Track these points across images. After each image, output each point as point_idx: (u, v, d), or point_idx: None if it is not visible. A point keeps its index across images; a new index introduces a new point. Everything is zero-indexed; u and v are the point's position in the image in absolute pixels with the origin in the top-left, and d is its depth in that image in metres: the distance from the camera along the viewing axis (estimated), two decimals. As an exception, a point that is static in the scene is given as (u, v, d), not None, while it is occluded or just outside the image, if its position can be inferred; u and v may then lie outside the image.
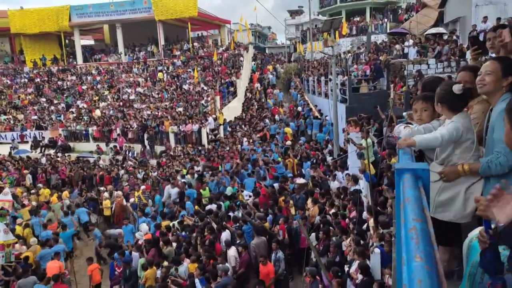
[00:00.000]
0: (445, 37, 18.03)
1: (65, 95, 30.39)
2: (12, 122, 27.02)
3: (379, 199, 7.79)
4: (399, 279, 1.59)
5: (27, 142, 25.36)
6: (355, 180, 9.66)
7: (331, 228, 8.13)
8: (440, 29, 19.40)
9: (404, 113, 3.93)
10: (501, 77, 2.24)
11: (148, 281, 8.29)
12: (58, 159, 21.76)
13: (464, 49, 15.32)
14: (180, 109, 24.50)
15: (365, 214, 7.83)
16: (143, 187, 14.78)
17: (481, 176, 2.34)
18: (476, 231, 1.93)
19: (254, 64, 31.69)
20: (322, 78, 20.89)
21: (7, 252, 9.56)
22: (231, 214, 10.34)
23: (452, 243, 2.56)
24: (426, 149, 2.80)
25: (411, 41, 17.33)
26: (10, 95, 30.98)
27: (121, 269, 9.21)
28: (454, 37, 17.42)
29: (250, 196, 11.46)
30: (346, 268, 6.84)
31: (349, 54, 24.04)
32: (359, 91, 16.62)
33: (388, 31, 28.11)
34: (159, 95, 27.62)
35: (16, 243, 10.26)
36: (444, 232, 2.48)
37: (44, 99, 30.18)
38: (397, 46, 18.04)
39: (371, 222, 6.92)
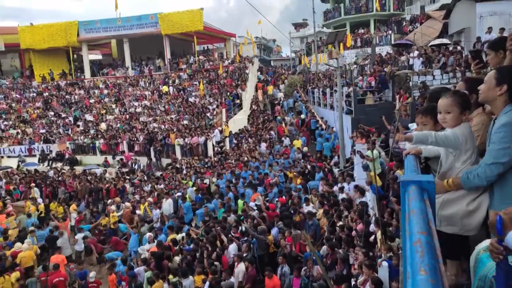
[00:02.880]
0: (450, 48, 18.06)
1: (72, 108, 30.75)
2: (20, 136, 27.34)
3: (387, 211, 7.72)
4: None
5: (35, 155, 25.61)
6: (362, 192, 9.59)
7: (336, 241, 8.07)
8: (445, 40, 19.45)
9: (410, 124, 3.94)
10: (494, 85, 2.20)
11: (155, 295, 8.26)
12: (65, 171, 21.92)
13: (469, 59, 15.32)
14: (186, 121, 24.66)
15: (372, 227, 7.75)
16: (150, 199, 14.82)
17: (484, 188, 2.32)
18: (484, 244, 1.91)
19: (261, 74, 31.86)
20: (328, 90, 20.95)
21: None
22: (241, 226, 10.30)
23: (460, 257, 2.52)
24: (431, 162, 2.79)
25: (416, 52, 17.37)
26: (19, 109, 31.42)
27: (127, 282, 9.18)
28: (459, 48, 17.44)
29: (255, 209, 11.42)
30: (353, 282, 6.76)
31: (354, 66, 24.12)
32: (365, 103, 16.62)
33: (392, 42, 28.21)
34: (165, 108, 27.84)
35: None
36: (452, 245, 2.45)
37: (52, 113, 30.56)
38: (403, 58, 18.09)
39: (379, 234, 6.85)
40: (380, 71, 17.14)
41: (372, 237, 7.53)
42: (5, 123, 29.46)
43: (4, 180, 20.43)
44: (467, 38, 18.69)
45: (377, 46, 27.40)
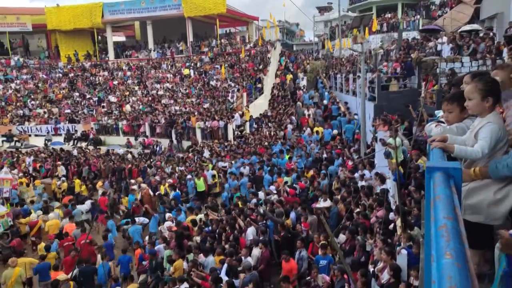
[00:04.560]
0: (481, 34, 17.35)
1: (97, 90, 31.34)
2: (47, 115, 28.13)
3: (407, 199, 7.63)
4: (427, 278, 1.57)
5: (60, 134, 26.37)
6: (382, 179, 9.49)
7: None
8: (475, 26, 18.68)
9: (436, 111, 3.84)
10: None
11: (176, 272, 8.49)
12: (89, 151, 22.52)
13: (501, 46, 14.69)
14: (207, 105, 24.77)
15: (392, 215, 7.69)
16: (169, 180, 15.10)
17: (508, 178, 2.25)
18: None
19: (283, 58, 31.46)
20: (350, 76, 20.57)
21: (4, 221, 11.81)
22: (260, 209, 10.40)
23: (483, 246, 2.48)
24: None
25: (445, 38, 16.77)
26: (46, 89, 32.23)
27: (148, 259, 9.45)
28: (491, 34, 16.72)
29: (274, 193, 11.49)
30: (371, 268, 6.76)
31: (380, 50, 23.52)
32: (389, 89, 16.26)
33: (420, 28, 27.30)
34: (187, 91, 28.00)
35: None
36: (475, 234, 2.40)
37: (77, 94, 31.24)
38: (430, 44, 17.50)
39: (398, 222, 6.79)
40: (406, 57, 16.65)
41: (392, 225, 7.48)
42: (32, 102, 30.33)
43: (32, 158, 21.16)
44: (499, 23, 17.90)
45: (404, 31, 26.54)
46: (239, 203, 11.50)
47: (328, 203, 9.93)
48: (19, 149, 24.11)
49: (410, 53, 17.43)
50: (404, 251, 6.15)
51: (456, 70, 14.20)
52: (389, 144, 9.04)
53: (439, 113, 3.61)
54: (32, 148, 24.21)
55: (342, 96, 22.14)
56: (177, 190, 13.98)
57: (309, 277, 6.86)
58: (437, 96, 12.39)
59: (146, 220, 12.56)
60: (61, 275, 8.69)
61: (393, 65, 17.14)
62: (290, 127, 19.80)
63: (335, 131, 17.65)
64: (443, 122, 2.97)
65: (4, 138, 26.15)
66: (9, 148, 24.84)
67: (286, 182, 12.11)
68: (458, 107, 2.71)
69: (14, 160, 21.23)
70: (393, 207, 8.07)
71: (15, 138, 26.05)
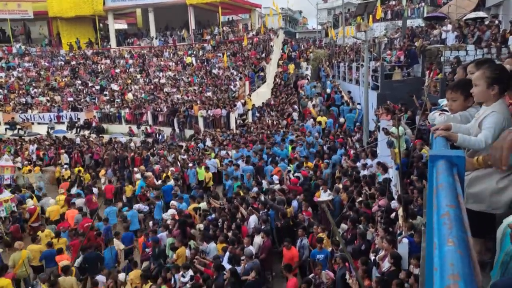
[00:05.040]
0: (486, 22, 17.13)
1: (99, 78, 31.26)
2: (49, 103, 28.14)
3: (410, 188, 7.64)
4: (429, 265, 1.57)
5: (63, 123, 26.41)
6: (385, 168, 9.48)
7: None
8: (481, 14, 18.44)
9: (440, 100, 3.81)
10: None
11: (179, 259, 8.57)
12: (92, 139, 22.57)
13: (506, 34, 14.53)
14: (209, 93, 24.69)
15: (394, 204, 7.71)
16: (172, 169, 15.14)
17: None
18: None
19: (286, 46, 31.21)
20: (354, 64, 20.41)
21: (7, 206, 12.20)
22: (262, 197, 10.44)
23: (485, 235, 2.48)
24: None
25: (449, 26, 16.58)
26: (48, 77, 32.17)
27: (151, 247, 9.54)
28: (496, 22, 16.51)
29: (276, 183, 11.52)
30: (372, 257, 6.80)
31: (384, 38, 23.28)
32: (392, 78, 16.15)
33: (425, 15, 26.97)
34: (189, 80, 27.90)
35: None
36: (477, 223, 2.40)
37: (79, 82, 31.18)
38: (435, 31, 17.31)
39: (400, 211, 6.81)
40: (410, 45, 16.49)
41: (393, 214, 7.50)
42: (35, 90, 30.31)
43: (35, 146, 21.25)
44: (505, 11, 17.64)
45: (408, 19, 26.29)
46: (240, 192, 11.54)
47: (328, 194, 9.86)
48: (22, 137, 24.21)
49: (414, 41, 17.26)
50: (405, 240, 6.18)
51: (461, 58, 14.08)
52: (391, 133, 9.01)
53: (443, 102, 3.58)
54: (35, 136, 24.30)
55: (345, 85, 22.01)
56: (171, 182, 13.85)
57: (312, 274, 6.85)
58: (441, 85, 12.31)
59: (146, 208, 12.67)
60: (63, 262, 8.81)
61: (397, 54, 16.99)
62: (295, 114, 19.68)
63: (342, 119, 17.54)
64: (446, 111, 2.95)
65: (7, 126, 26.23)
66: (12, 136, 24.94)
67: (289, 171, 12.13)
68: (462, 95, 2.69)
69: (18, 148, 21.35)
70: (395, 196, 8.08)
71: (18, 126, 26.11)
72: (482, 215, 2.40)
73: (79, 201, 13.13)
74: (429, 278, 1.67)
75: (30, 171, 17.00)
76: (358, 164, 11.31)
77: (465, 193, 2.37)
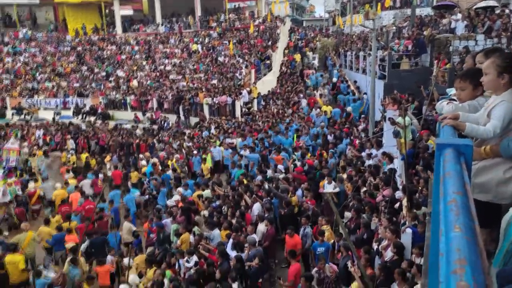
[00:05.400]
0: (497, 11, 16.82)
1: (105, 64, 31.22)
2: (55, 89, 28.22)
3: (415, 179, 7.63)
4: (433, 253, 1.57)
5: (69, 108, 26.51)
6: (390, 159, 9.46)
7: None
8: (491, 2, 18.10)
9: (448, 89, 3.77)
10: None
11: (183, 245, 8.67)
12: (98, 125, 22.67)
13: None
14: (215, 81, 24.60)
15: (398, 194, 7.70)
16: (177, 156, 15.21)
17: None
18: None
19: (293, 35, 30.90)
20: (361, 53, 20.20)
21: (12, 189, 12.54)
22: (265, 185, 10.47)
23: (491, 225, 2.48)
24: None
25: (459, 15, 16.31)
26: (54, 63, 32.18)
27: (156, 232, 9.65)
28: (507, 11, 16.21)
29: (282, 172, 11.54)
30: (375, 246, 6.83)
31: (393, 27, 22.96)
32: (399, 68, 15.98)
33: (434, 4, 26.52)
34: (195, 67, 27.79)
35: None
36: (483, 213, 2.40)
37: (85, 68, 31.17)
38: (444, 20, 17.03)
39: (405, 201, 6.81)
40: (419, 34, 16.25)
41: (397, 204, 7.50)
42: (41, 75, 30.37)
43: (42, 131, 21.39)
44: (517, 0, 17.31)
45: (417, 8, 25.80)
46: (244, 180, 11.57)
47: (334, 186, 9.77)
48: (29, 122, 24.37)
49: (423, 30, 17.02)
50: (409, 230, 6.19)
51: (470, 48, 13.88)
52: (398, 123, 8.95)
53: (451, 91, 3.54)
54: (42, 121, 24.44)
55: (351, 74, 21.82)
56: (169, 172, 13.86)
57: (316, 269, 6.86)
58: (449, 75, 12.18)
59: (145, 197, 12.88)
60: (70, 243, 8.97)
61: (405, 43, 16.78)
62: (304, 101, 19.47)
63: (349, 108, 17.37)
64: (455, 100, 2.92)
65: (14, 111, 26.38)
66: (19, 120, 25.12)
67: (294, 160, 12.14)
68: (471, 84, 2.65)
69: (24, 133, 21.51)
70: (400, 186, 8.07)
71: (24, 111, 26.26)
72: (488, 205, 2.39)
73: (85, 182, 13.32)
74: (432, 266, 1.68)
75: (34, 155, 17.18)
76: (363, 154, 11.29)
77: (471, 183, 2.36)
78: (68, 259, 8.34)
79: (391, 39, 19.70)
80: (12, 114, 26.29)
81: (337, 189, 9.67)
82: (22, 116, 25.90)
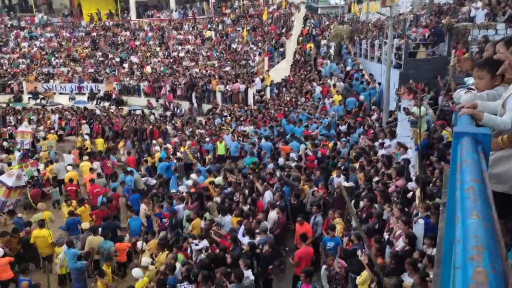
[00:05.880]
0: (520, -1, 16.26)
1: (119, 50, 31.36)
2: (70, 74, 28.52)
3: (428, 169, 7.54)
4: (447, 241, 1.57)
5: (84, 94, 26.81)
6: (405, 148, 9.35)
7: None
8: (515, -10, 17.49)
9: (466, 78, 3.70)
10: None
11: (194, 230, 8.79)
12: (112, 111, 22.91)
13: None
14: (228, 68, 24.52)
15: (411, 184, 7.63)
16: (189, 142, 15.31)
17: None
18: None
19: (308, 22, 30.45)
20: (376, 42, 19.83)
21: (28, 170, 12.88)
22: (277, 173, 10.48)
23: (506, 216, 2.45)
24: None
25: (479, 3, 15.83)
26: (69, 48, 32.47)
27: (168, 217, 9.78)
28: (531, -1, 15.66)
29: (295, 160, 11.52)
30: (386, 236, 6.81)
31: (411, 15, 22.44)
32: (416, 57, 15.66)
33: (454, -9, 25.77)
34: (208, 54, 27.72)
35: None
36: (498, 203, 2.36)
37: (99, 53, 31.37)
38: (464, 9, 16.56)
39: (418, 192, 6.76)
40: (437, 23, 15.86)
41: (410, 194, 7.45)
42: (56, 61, 30.70)
43: (57, 116, 21.72)
44: (542, -12, 16.67)
45: (436, -5, 25.10)
46: (255, 168, 11.58)
47: (342, 179, 9.56)
48: (45, 107, 24.74)
49: (441, 18, 16.58)
50: (421, 221, 6.14)
51: (490, 37, 13.50)
52: (413, 113, 8.82)
53: (469, 80, 3.47)
54: (57, 106, 24.80)
55: (366, 63, 21.47)
56: (170, 160, 13.88)
57: (326, 266, 6.85)
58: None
59: (154, 181, 13.00)
60: (84, 224, 9.25)
61: (422, 31, 16.41)
62: (319, 89, 19.21)
63: (361, 97, 17.14)
64: (473, 89, 2.86)
65: (30, 96, 26.80)
66: (35, 105, 25.52)
67: (306, 148, 12.10)
68: (489, 73, 2.60)
69: (40, 117, 21.86)
70: (413, 177, 8.00)
71: (40, 96, 26.66)
72: (505, 196, 2.36)
73: (96, 164, 13.62)
74: (446, 256, 1.67)
75: (45, 138, 17.48)
76: (376, 143, 11.18)
77: (488, 173, 2.33)
78: (99, 233, 8.86)
79: (408, 27, 19.29)
80: (29, 99, 26.71)
81: (351, 183, 9.44)
82: (38, 101, 26.30)
